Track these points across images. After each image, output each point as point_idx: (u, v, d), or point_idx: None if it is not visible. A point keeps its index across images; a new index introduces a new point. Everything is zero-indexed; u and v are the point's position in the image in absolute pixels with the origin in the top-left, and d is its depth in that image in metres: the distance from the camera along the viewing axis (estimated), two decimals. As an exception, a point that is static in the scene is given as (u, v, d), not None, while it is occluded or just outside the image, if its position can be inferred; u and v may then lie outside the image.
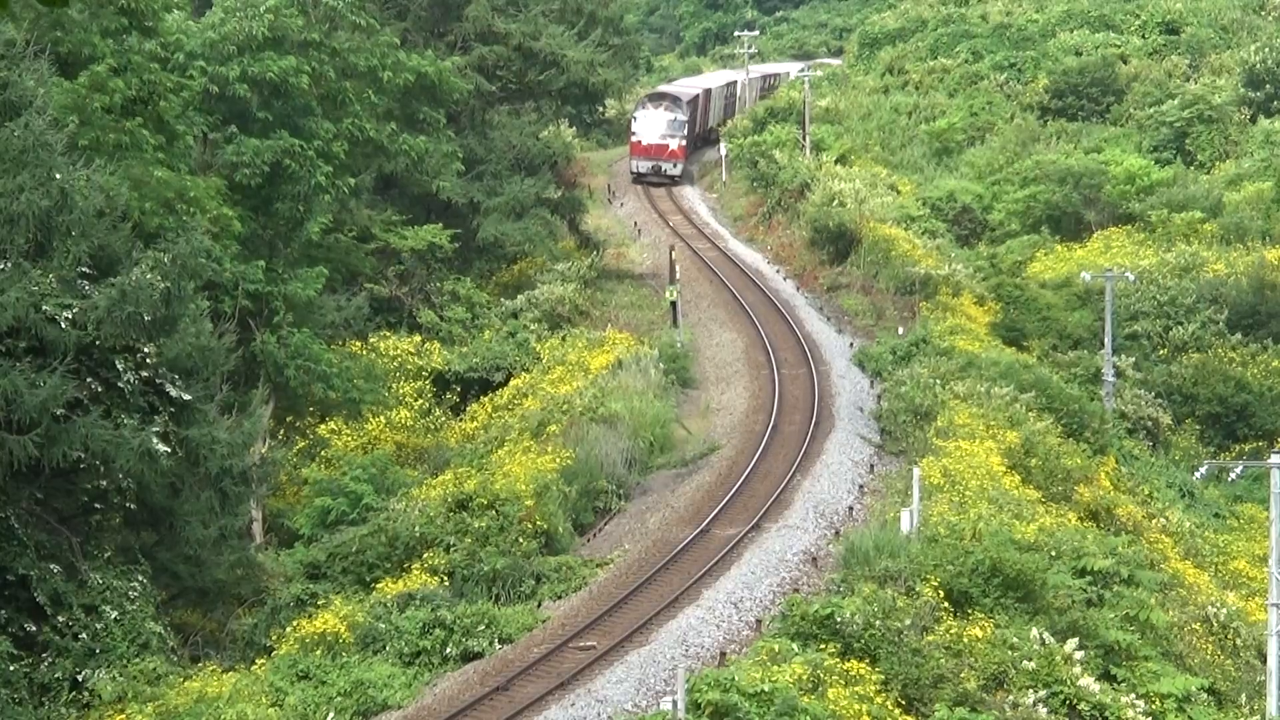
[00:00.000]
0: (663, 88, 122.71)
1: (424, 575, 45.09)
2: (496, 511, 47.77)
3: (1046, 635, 40.02)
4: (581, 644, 39.48)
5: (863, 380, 65.22)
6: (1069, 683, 38.59)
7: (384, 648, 40.47)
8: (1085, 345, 78.67)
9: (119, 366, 39.24)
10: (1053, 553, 44.69)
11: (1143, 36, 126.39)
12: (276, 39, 57.33)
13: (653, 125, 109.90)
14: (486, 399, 65.41)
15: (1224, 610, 48.71)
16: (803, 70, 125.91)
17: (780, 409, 60.48)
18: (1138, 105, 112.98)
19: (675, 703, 34.41)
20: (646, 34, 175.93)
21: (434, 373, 68.06)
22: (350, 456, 57.44)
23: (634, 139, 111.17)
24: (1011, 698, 37.95)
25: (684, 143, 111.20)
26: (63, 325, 37.94)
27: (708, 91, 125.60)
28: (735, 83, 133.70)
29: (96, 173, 40.44)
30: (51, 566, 38.44)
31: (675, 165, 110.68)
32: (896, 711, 36.73)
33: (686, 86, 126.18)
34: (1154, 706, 39.68)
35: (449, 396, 67.04)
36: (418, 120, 71.04)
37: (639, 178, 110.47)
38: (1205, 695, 41.40)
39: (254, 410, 47.70)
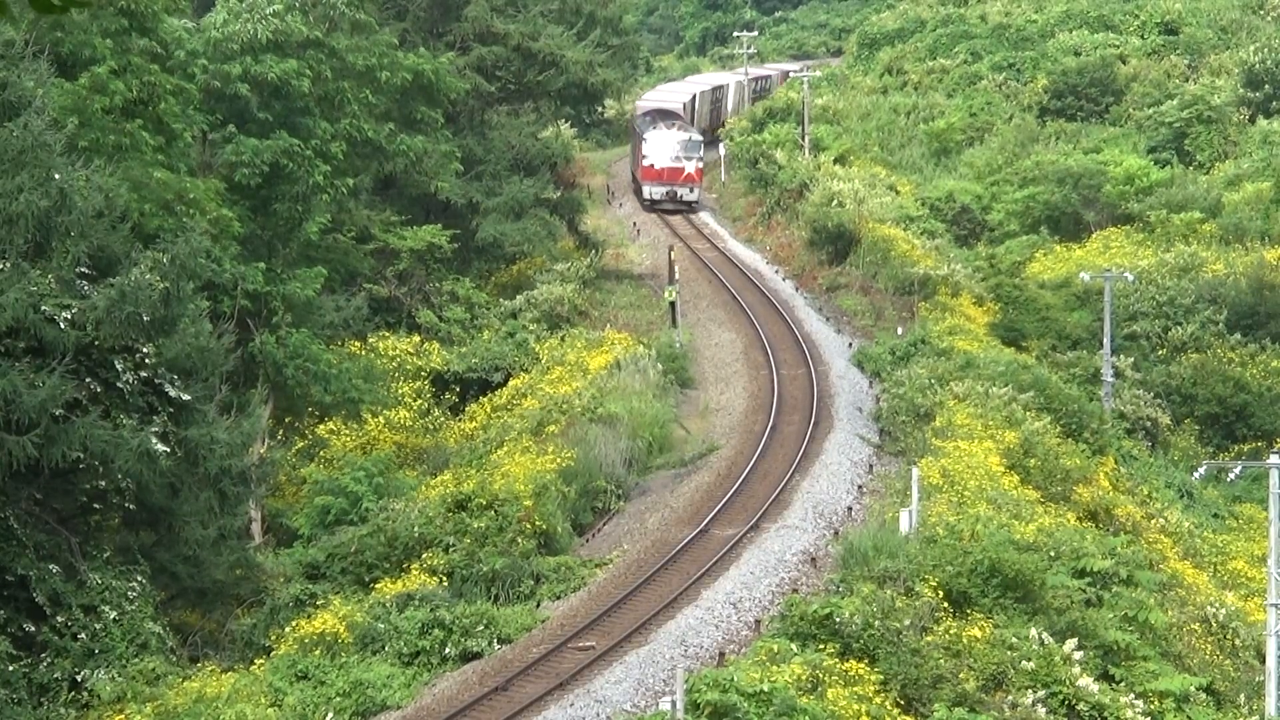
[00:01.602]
0: (649, 103, 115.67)
1: (423, 575, 45.11)
2: (495, 512, 47.80)
3: (1045, 635, 40.03)
4: (580, 644, 39.49)
5: (862, 380, 65.23)
6: (1068, 683, 38.60)
7: (383, 648, 40.49)
8: (1084, 345, 78.67)
9: (118, 367, 39.26)
10: (1052, 553, 44.69)
11: (1142, 37, 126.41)
12: (278, 43, 57.36)
13: (665, 147, 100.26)
14: (485, 399, 65.44)
15: (1223, 610, 48.73)
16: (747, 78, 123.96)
17: (779, 409, 60.48)
18: (1137, 105, 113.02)
19: (674, 703, 34.42)
20: (646, 34, 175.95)
21: (433, 373, 68.10)
22: (349, 457, 57.49)
23: (645, 163, 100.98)
24: (1010, 698, 37.96)
25: (701, 165, 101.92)
26: (62, 325, 37.95)
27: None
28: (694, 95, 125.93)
29: (96, 173, 40.46)
30: (51, 567, 38.46)
31: (692, 190, 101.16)
32: (895, 711, 36.74)
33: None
34: (1153, 706, 39.69)
35: (448, 397, 67.08)
36: (415, 120, 71.06)
37: (653, 205, 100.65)
38: (1204, 695, 41.42)
39: (253, 410, 47.72)
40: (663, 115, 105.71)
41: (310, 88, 58.68)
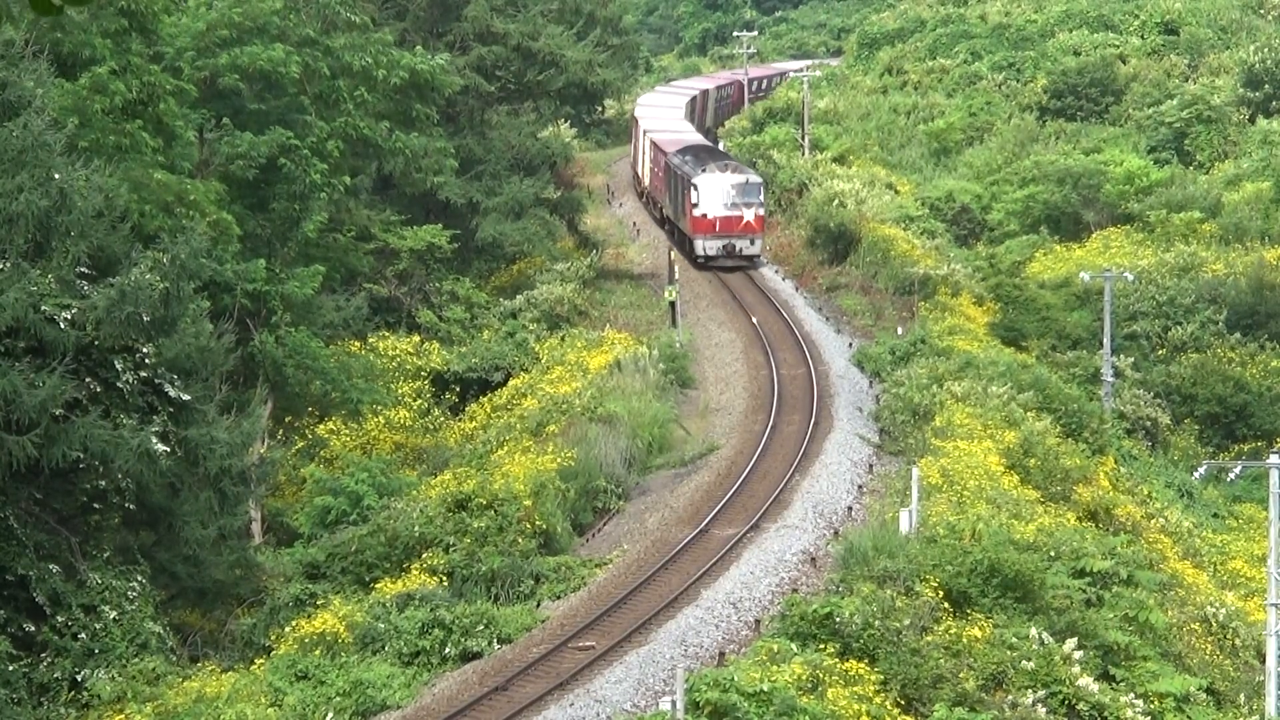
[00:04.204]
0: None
1: (423, 575, 45.11)
2: (495, 511, 47.79)
3: (1045, 635, 40.03)
4: (580, 644, 39.49)
5: (862, 380, 65.24)
6: (1068, 683, 38.61)
7: (383, 648, 40.49)
8: (1084, 345, 78.71)
9: (118, 367, 39.27)
10: (1051, 553, 44.69)
11: (1141, 37, 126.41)
12: (259, 27, 57.20)
13: (719, 193, 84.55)
14: (485, 399, 65.48)
15: (1223, 610, 48.74)
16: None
17: (779, 409, 60.48)
18: (1136, 105, 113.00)
19: (674, 703, 34.42)
20: (645, 34, 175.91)
21: (433, 373, 68.15)
22: (350, 456, 57.50)
23: (695, 213, 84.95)
24: (1010, 698, 37.97)
25: (762, 211, 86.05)
26: (62, 325, 37.96)
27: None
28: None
29: (96, 173, 40.46)
30: (51, 566, 38.47)
31: (754, 241, 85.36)
32: (895, 711, 36.74)
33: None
34: (1153, 706, 39.70)
35: (448, 396, 67.13)
36: (412, 119, 71.05)
37: (708, 262, 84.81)
38: (1204, 695, 41.42)
39: (253, 410, 47.71)
40: (710, 154, 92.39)
41: (300, 76, 58.53)
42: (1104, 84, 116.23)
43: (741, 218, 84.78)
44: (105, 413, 38.64)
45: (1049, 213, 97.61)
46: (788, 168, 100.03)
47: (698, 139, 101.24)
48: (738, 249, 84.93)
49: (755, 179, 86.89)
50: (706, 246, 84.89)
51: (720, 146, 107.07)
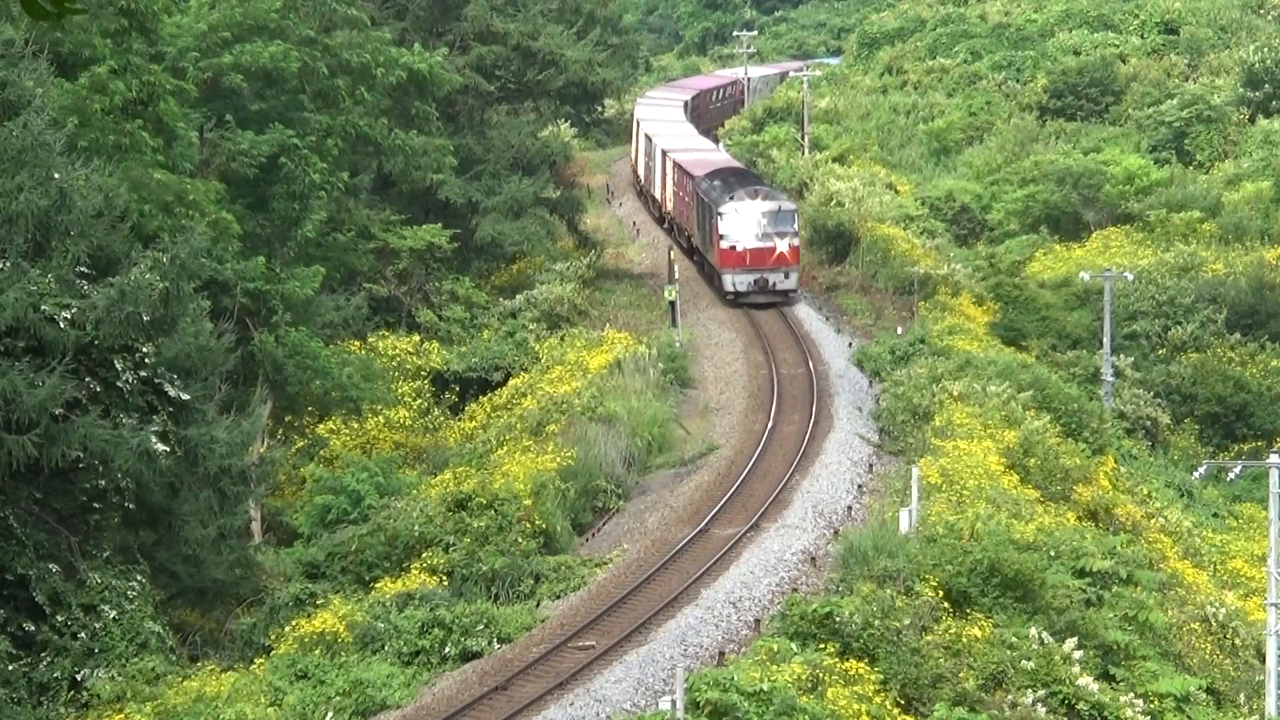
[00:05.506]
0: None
1: (423, 575, 45.11)
2: (495, 511, 47.80)
3: (1045, 635, 40.03)
4: (580, 644, 39.49)
5: (861, 380, 65.23)
6: (1068, 682, 38.60)
7: (383, 647, 40.48)
8: (1084, 345, 78.73)
9: (118, 366, 39.26)
10: (1051, 552, 44.69)
11: (1141, 36, 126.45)
12: (259, 26, 57.25)
13: (748, 222, 77.45)
14: (485, 399, 65.49)
15: (1222, 610, 48.73)
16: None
17: (779, 409, 60.48)
18: (1136, 105, 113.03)
19: (674, 702, 34.41)
20: (645, 33, 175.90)
21: (433, 372, 68.19)
22: (349, 455, 57.50)
23: (723, 245, 77.71)
24: (1010, 697, 37.96)
25: (796, 241, 78.78)
26: (61, 325, 37.95)
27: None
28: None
29: (95, 173, 40.45)
30: (50, 566, 38.46)
31: (788, 275, 78.03)
32: (895, 711, 36.74)
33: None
34: (1153, 706, 39.70)
35: (448, 396, 67.16)
36: (411, 116, 71.05)
37: (738, 298, 77.83)
38: (1204, 695, 41.43)
39: (253, 410, 47.68)
40: (740, 178, 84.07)
41: (301, 77, 58.56)
42: (1104, 84, 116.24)
43: (774, 249, 77.69)
44: (105, 412, 38.64)
45: (1049, 212, 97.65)
46: (787, 167, 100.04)
47: (725, 159, 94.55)
48: (771, 283, 77.69)
49: (789, 205, 79.97)
50: (736, 282, 77.67)
51: (720, 147, 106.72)
